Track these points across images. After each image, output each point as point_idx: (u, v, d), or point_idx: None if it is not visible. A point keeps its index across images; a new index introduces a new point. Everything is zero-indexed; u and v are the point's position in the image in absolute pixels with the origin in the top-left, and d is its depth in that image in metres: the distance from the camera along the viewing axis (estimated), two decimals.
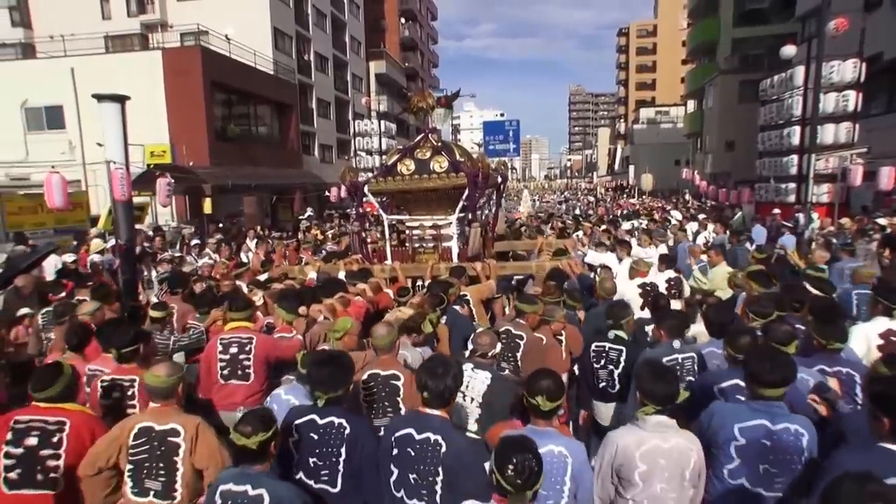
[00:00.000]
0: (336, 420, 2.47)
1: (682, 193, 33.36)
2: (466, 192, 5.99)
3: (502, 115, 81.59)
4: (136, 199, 16.11)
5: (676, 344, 3.50)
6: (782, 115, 15.40)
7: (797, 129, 14.47)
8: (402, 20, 44.05)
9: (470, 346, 3.23)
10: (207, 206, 16.14)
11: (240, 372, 3.74)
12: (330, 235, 12.98)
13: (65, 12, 23.31)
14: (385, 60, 38.42)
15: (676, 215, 16.94)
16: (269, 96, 23.46)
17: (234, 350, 3.75)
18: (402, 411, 2.93)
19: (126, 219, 8.73)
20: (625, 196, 39.72)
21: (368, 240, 7.05)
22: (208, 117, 19.20)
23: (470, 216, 6.21)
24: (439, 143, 6.31)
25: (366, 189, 6.25)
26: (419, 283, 5.84)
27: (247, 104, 22.66)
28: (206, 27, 21.34)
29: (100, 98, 8.69)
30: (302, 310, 4.26)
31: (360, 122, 27.65)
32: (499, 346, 3.21)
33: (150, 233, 12.59)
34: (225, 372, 3.75)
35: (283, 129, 25.18)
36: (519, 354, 3.84)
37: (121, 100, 8.61)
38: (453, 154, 6.27)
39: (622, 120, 62.76)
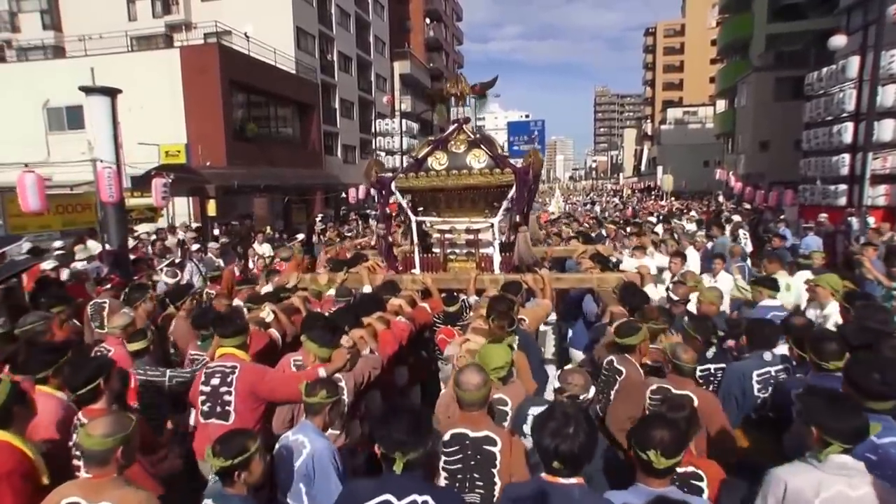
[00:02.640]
0: (419, 498, 1.89)
1: (714, 195, 32.10)
2: (513, 190, 5.09)
3: (527, 116, 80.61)
4: (150, 201, 16.02)
5: (768, 356, 3.18)
6: (831, 111, 14.38)
7: (849, 125, 13.45)
8: (427, 20, 43.62)
9: (556, 384, 2.65)
10: (211, 207, 15.50)
11: (219, 409, 3.01)
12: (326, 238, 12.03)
13: (92, 14, 23.56)
14: (410, 61, 38.06)
15: (690, 227, 15.75)
16: (291, 96, 23.18)
17: (215, 381, 3.04)
18: (497, 486, 2.33)
19: (117, 222, 7.96)
20: (652, 197, 38.54)
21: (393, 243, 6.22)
22: (226, 117, 18.92)
23: (518, 219, 5.34)
24: (477, 136, 5.47)
25: (393, 186, 5.39)
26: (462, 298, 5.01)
27: (267, 104, 22.37)
28: (228, 27, 21.24)
29: (87, 91, 8.01)
30: (346, 339, 3.41)
31: (381, 121, 27.30)
32: (592, 389, 2.64)
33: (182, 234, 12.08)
34: (205, 408, 3.05)
35: (305, 129, 24.90)
36: (613, 391, 3.14)
37: (111, 93, 7.91)
38: (494, 147, 5.45)
39: (649, 120, 61.27)
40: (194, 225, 15.08)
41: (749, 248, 10.06)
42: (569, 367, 2.88)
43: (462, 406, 2.45)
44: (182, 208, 17.70)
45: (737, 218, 15.76)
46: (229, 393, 3.01)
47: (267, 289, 5.51)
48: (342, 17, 29.60)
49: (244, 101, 20.82)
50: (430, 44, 43.93)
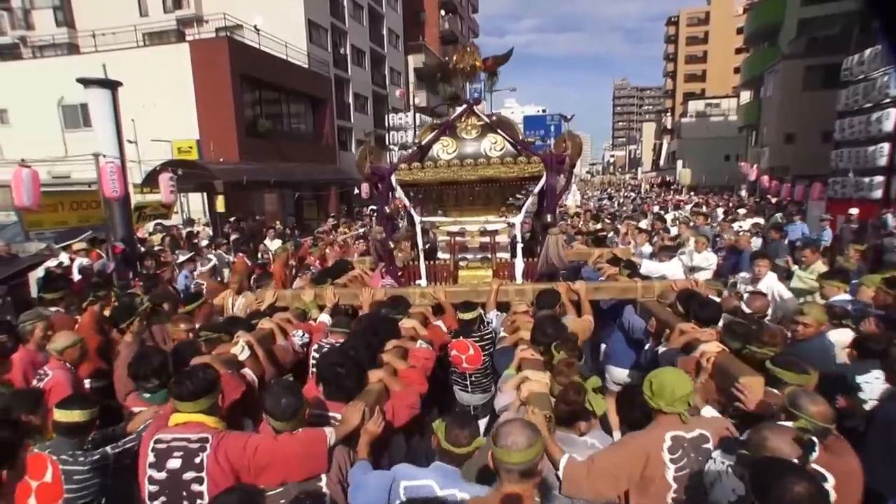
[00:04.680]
0: None
1: (736, 189, 31.10)
2: (541, 184, 4.29)
3: (544, 110, 79.53)
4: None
5: None
6: (871, 98, 13.48)
7: (892, 111, 12.63)
8: (442, 12, 43.01)
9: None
10: (220, 203, 15.35)
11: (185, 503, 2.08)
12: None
13: (104, 10, 23.58)
14: (424, 54, 37.63)
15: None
16: (303, 90, 22.92)
17: (174, 464, 2.08)
18: None
19: (122, 218, 7.77)
20: (671, 192, 37.58)
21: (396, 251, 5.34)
22: (238, 112, 18.72)
23: (549, 218, 4.48)
24: (493, 118, 4.66)
25: (393, 179, 4.46)
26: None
27: (279, 99, 22.14)
28: (239, 20, 21.07)
29: (86, 83, 7.79)
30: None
31: (394, 115, 26.99)
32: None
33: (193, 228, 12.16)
34: (158, 503, 2.10)
35: (318, 124, 24.69)
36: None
37: (111, 85, 7.71)
38: (514, 132, 4.62)
39: (669, 114, 59.91)
40: (200, 220, 15.04)
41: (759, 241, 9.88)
42: (782, 422, 1.99)
43: (500, 473, 1.78)
44: (197, 204, 17.67)
45: (742, 211, 15.29)
46: (199, 480, 2.05)
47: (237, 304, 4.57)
48: (355, 10, 29.25)
49: (256, 96, 20.63)
50: (445, 36, 43.28)
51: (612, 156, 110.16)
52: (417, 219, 4.72)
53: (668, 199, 29.67)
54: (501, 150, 4.45)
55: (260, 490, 1.72)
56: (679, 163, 42.25)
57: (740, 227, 11.73)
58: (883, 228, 10.10)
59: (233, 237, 10.83)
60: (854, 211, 11.31)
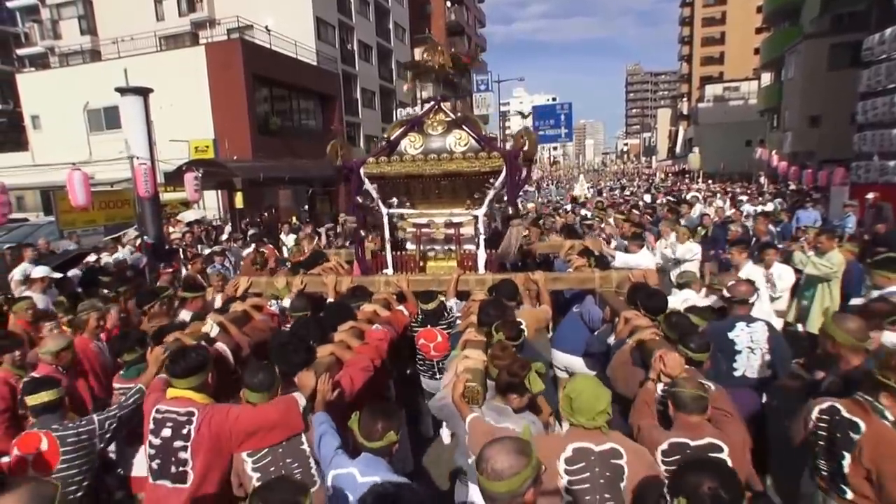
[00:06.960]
0: None
1: (756, 176, 30.32)
2: (501, 178, 4.45)
3: (554, 99, 78.52)
4: (182, 195, 16.32)
5: None
6: (894, 78, 13.00)
7: None
8: (448, 4, 42.70)
9: None
10: (239, 200, 15.79)
11: (173, 469, 2.42)
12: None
13: (124, 17, 24.22)
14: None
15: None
16: (313, 87, 23.23)
17: (166, 433, 2.44)
18: None
19: (153, 216, 8.38)
20: (687, 180, 36.79)
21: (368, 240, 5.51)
22: (251, 111, 19.14)
23: (511, 210, 4.66)
24: (458, 114, 4.82)
25: (362, 172, 4.69)
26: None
27: (290, 96, 22.50)
28: (250, 21, 21.35)
29: (122, 91, 8.26)
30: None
31: (402, 110, 26.95)
32: None
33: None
34: (154, 465, 2.47)
35: (327, 120, 24.92)
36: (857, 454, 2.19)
37: (143, 92, 8.16)
38: (478, 129, 4.81)
39: (685, 99, 58.49)
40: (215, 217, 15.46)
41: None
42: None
43: (486, 499, 1.62)
44: (212, 202, 18.01)
45: (744, 198, 14.97)
46: (185, 448, 2.40)
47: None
48: (361, 6, 29.25)
49: (268, 94, 20.97)
50: (451, 28, 42.93)
51: (626, 144, 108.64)
52: (384, 210, 4.89)
53: (680, 187, 29.11)
54: (466, 145, 4.62)
55: (305, 488, 1.74)
56: (696, 150, 41.42)
57: (754, 211, 11.51)
58: None
59: (249, 232, 11.14)
60: (871, 196, 10.95)
